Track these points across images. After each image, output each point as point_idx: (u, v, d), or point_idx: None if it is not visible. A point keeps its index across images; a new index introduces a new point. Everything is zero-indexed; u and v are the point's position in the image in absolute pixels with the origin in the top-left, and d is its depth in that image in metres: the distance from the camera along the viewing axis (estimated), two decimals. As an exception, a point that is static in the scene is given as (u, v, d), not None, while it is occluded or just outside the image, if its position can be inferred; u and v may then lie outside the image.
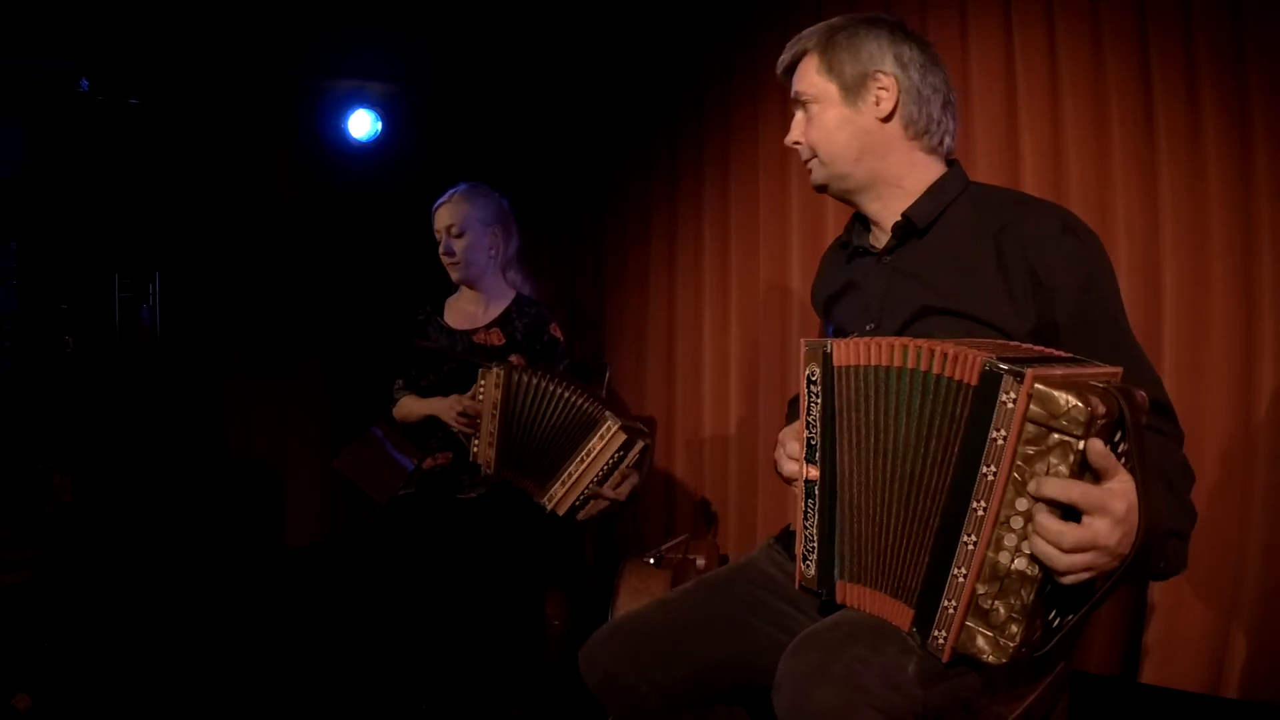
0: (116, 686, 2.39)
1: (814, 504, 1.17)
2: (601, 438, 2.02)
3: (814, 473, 1.17)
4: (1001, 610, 0.95)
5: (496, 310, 2.39)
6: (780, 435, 1.33)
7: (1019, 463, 0.91)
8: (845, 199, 1.40)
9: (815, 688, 1.04)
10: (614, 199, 3.58)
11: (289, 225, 3.82)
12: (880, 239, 1.38)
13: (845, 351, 1.12)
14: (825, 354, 1.14)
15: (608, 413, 2.03)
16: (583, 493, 2.05)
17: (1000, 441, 0.93)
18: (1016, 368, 0.92)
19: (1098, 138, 2.27)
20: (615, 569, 2.79)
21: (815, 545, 1.18)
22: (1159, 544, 0.97)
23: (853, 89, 1.31)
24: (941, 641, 1.01)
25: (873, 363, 1.08)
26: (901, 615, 1.08)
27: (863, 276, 1.40)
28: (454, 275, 2.37)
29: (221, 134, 3.59)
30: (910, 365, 1.04)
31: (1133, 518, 0.90)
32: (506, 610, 2.14)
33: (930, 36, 2.56)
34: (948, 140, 1.35)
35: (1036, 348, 1.04)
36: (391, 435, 2.33)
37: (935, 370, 1.01)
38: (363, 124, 3.67)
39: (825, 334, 1.47)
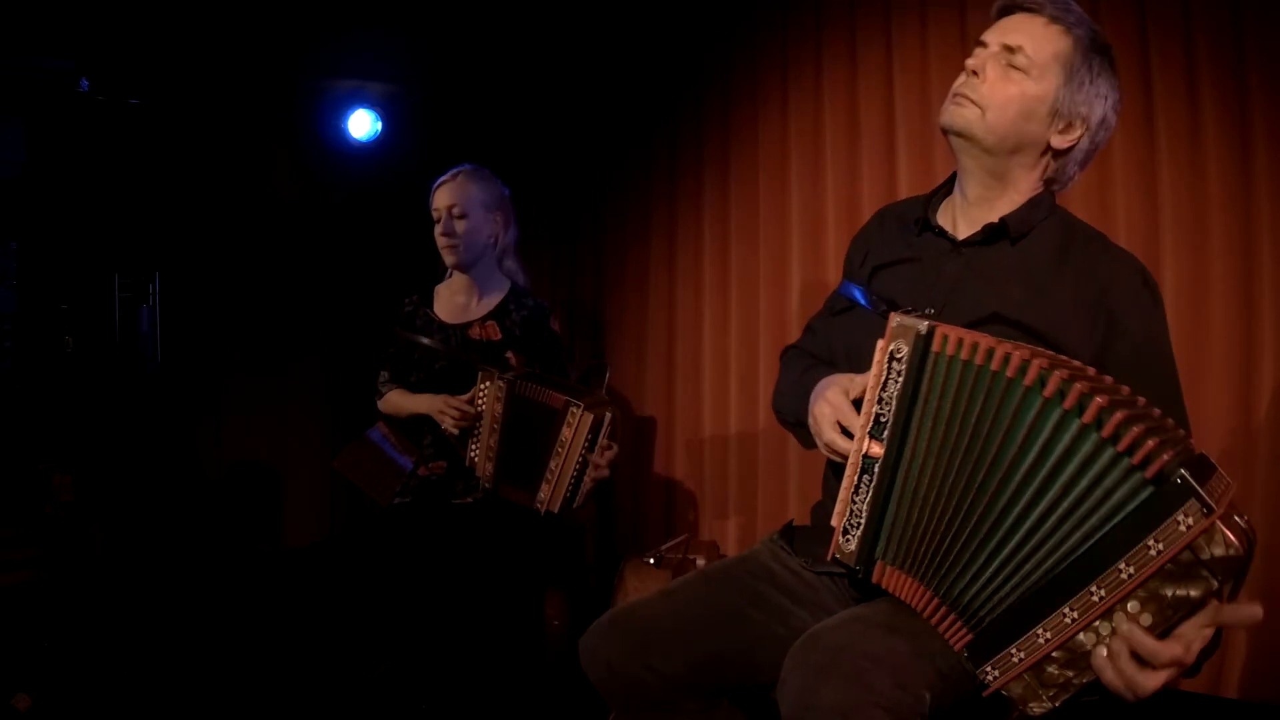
0: (116, 686, 2.39)
1: (870, 481, 1.14)
2: (569, 425, 1.97)
3: (877, 449, 1.13)
4: (1060, 679, 0.97)
5: (491, 301, 2.29)
6: (830, 396, 1.24)
7: (1157, 577, 0.91)
8: (959, 156, 1.34)
9: (822, 684, 1.03)
10: (614, 199, 3.58)
11: (289, 225, 3.82)
12: (961, 228, 1.36)
13: (951, 341, 1.07)
14: (920, 334, 1.09)
15: (569, 399, 1.98)
16: (570, 483, 2.00)
17: (1154, 553, 0.90)
18: (1207, 495, 0.88)
19: (1098, 138, 2.27)
20: (615, 569, 2.79)
21: (862, 522, 1.15)
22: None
23: (1060, 101, 1.28)
24: (990, 679, 1.01)
25: (981, 363, 1.04)
26: (933, 609, 1.08)
27: (929, 257, 1.37)
28: (449, 258, 2.26)
29: (221, 134, 3.59)
30: (1048, 395, 0.97)
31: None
32: (506, 610, 2.14)
33: (930, 39, 2.62)
34: (1064, 189, 1.38)
35: (1171, 422, 1.00)
36: (391, 436, 2.32)
37: (1085, 420, 0.94)
38: (363, 124, 3.66)
39: (849, 293, 1.42)
